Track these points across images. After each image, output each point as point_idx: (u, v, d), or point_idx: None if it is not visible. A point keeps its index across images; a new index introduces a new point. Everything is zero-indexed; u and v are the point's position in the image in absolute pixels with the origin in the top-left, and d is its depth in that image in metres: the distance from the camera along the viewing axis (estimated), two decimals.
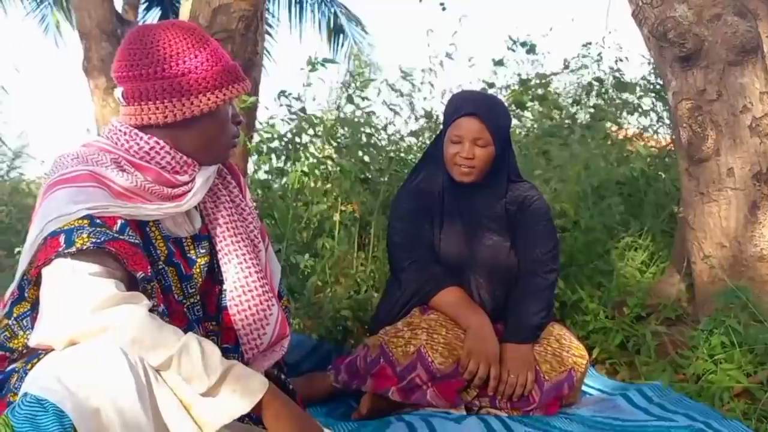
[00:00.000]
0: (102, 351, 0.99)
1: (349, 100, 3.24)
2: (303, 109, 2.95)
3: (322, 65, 2.89)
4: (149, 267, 1.13)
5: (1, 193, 3.76)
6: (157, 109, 1.20)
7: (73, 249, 1.03)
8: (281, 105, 3.06)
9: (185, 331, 1.12)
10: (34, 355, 1.08)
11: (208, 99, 1.21)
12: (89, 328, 1.02)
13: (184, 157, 1.24)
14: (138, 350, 1.03)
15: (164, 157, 1.22)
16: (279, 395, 1.16)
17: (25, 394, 0.93)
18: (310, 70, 2.87)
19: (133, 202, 1.16)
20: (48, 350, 1.08)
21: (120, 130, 1.23)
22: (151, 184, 1.21)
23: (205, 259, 1.32)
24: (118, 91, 1.24)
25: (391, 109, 3.61)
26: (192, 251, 1.30)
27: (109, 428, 0.94)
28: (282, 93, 3.04)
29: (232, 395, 1.09)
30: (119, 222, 1.11)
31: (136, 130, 1.22)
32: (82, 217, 1.07)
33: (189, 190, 1.26)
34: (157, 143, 1.22)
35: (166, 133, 1.23)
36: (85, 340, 1.02)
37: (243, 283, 1.33)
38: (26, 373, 1.03)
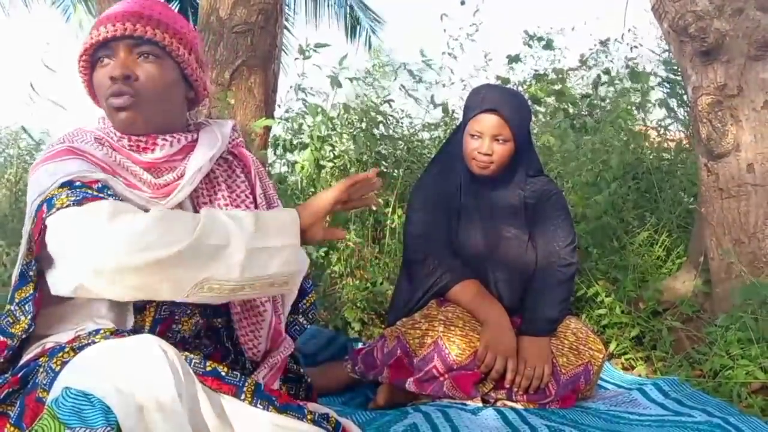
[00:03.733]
0: (142, 347, 0.97)
1: (335, 83, 3.05)
2: (304, 101, 2.92)
3: (315, 51, 2.84)
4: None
5: (24, 183, 3.80)
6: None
7: (54, 210, 1.05)
8: (297, 99, 3.06)
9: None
10: (57, 348, 1.06)
11: (77, 69, 1.23)
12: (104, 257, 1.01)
13: (134, 136, 1.22)
14: (152, 254, 1.02)
15: (119, 139, 1.22)
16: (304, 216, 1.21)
17: (68, 387, 0.90)
18: (304, 59, 2.83)
19: (113, 176, 1.17)
20: (72, 342, 1.08)
21: (102, 116, 1.27)
22: (130, 164, 1.21)
23: None
24: None
25: (410, 95, 3.60)
26: None
27: (150, 426, 0.92)
28: (298, 87, 3.05)
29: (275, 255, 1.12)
30: (99, 183, 1.11)
31: (104, 116, 1.25)
32: (61, 185, 1.08)
33: (175, 180, 1.23)
34: (102, 120, 1.25)
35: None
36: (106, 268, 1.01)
37: None
38: (52, 369, 1.01)
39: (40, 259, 1.11)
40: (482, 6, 3.91)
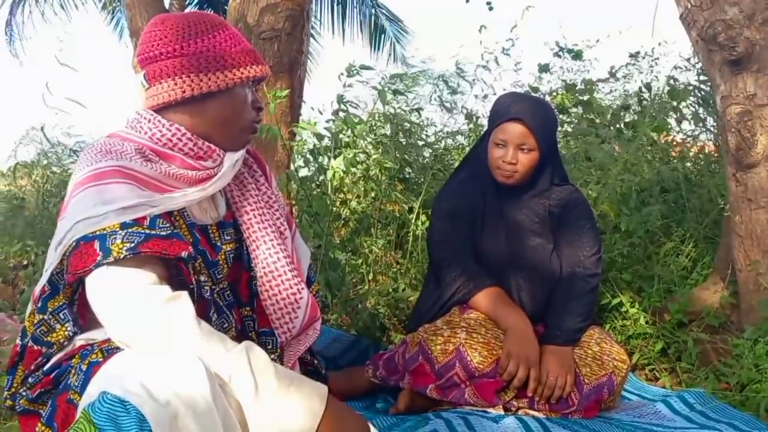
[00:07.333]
0: (182, 357, 1.00)
1: (383, 97, 3.17)
2: (344, 110, 2.97)
3: (358, 72, 2.94)
4: (189, 245, 1.15)
5: (51, 185, 3.86)
6: (175, 85, 1.22)
7: (111, 259, 1.05)
8: (337, 111, 3.09)
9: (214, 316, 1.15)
10: (89, 350, 1.09)
11: (221, 77, 1.23)
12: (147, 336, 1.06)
13: (207, 143, 1.26)
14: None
15: (186, 143, 1.24)
16: (333, 405, 1.15)
17: (105, 393, 0.93)
18: (348, 76, 2.91)
19: (161, 192, 1.18)
20: (103, 344, 1.10)
21: (144, 118, 1.25)
22: (176, 170, 1.22)
23: (231, 245, 1.34)
24: (140, 76, 1.26)
25: (444, 107, 3.61)
26: (217, 238, 1.32)
27: None
28: (340, 99, 3.09)
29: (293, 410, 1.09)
30: (148, 216, 1.13)
31: (159, 117, 1.24)
32: (112, 219, 1.09)
33: (214, 174, 1.27)
34: (179, 130, 1.24)
35: (183, 113, 1.24)
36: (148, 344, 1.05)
37: (272, 269, 1.35)
38: (83, 371, 1.04)
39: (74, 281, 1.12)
40: (520, 21, 3.89)
